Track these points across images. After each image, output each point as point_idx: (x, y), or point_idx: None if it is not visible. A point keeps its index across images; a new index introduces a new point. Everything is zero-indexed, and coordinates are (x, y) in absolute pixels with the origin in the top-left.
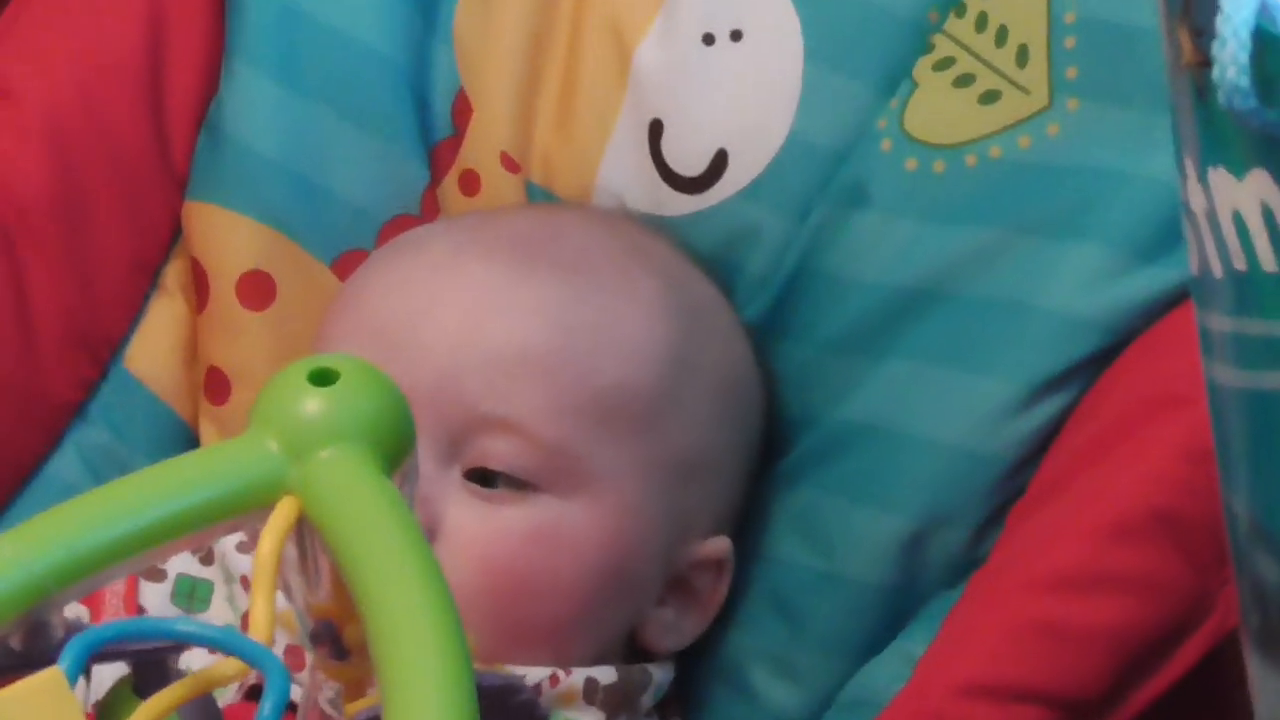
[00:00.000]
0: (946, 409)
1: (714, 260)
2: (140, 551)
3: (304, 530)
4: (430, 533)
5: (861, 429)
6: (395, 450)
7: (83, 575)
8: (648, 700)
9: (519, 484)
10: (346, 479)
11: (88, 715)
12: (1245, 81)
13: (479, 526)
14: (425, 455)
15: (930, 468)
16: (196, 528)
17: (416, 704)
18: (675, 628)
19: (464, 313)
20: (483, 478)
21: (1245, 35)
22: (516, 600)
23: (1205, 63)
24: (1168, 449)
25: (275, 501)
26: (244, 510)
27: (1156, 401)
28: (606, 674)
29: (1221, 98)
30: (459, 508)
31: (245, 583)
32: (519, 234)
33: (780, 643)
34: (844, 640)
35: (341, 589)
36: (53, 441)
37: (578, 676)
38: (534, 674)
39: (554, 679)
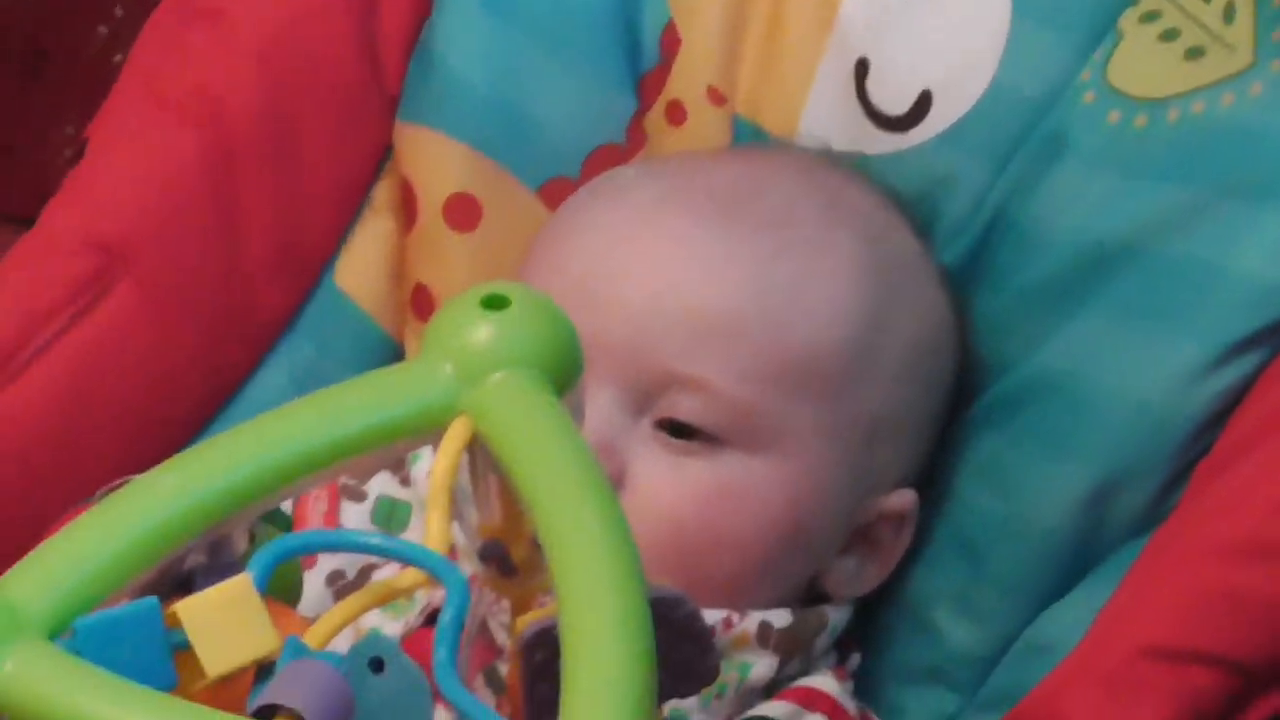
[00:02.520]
0: (1136, 365)
1: (914, 203)
2: (319, 470)
3: (475, 452)
4: (616, 482)
5: (1051, 379)
6: (564, 376)
7: (270, 490)
8: (824, 642)
9: (708, 438)
10: (518, 401)
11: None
12: None
13: (666, 479)
14: (614, 405)
15: (1117, 422)
16: (373, 447)
17: (592, 611)
18: (857, 576)
19: (662, 269)
20: (672, 428)
21: None
22: (697, 552)
23: None
24: None
25: (449, 422)
26: (419, 431)
27: None
28: (781, 617)
29: None
30: (646, 459)
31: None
32: (721, 187)
33: (963, 583)
34: (1026, 585)
35: (510, 508)
36: (261, 356)
37: (751, 621)
38: (708, 617)
39: (728, 622)
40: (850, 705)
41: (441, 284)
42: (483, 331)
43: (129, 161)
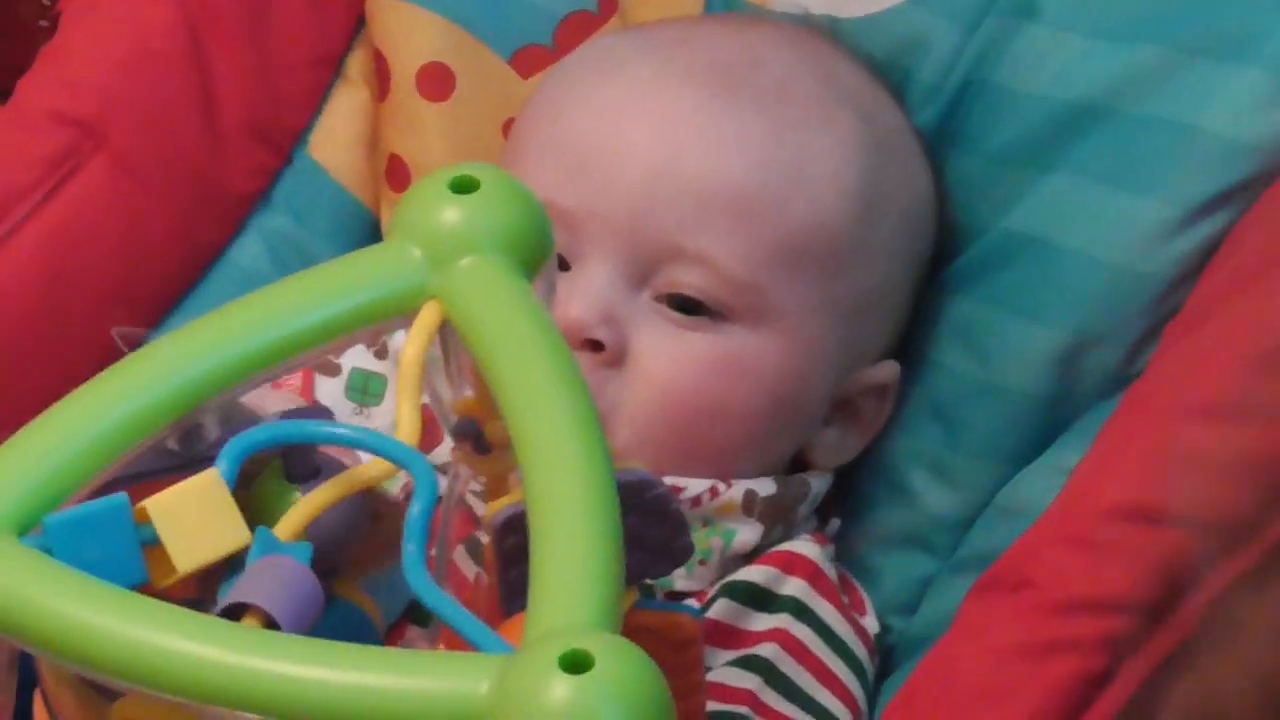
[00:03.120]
0: (1105, 225)
1: (886, 67)
2: (289, 356)
3: (447, 333)
4: (619, 352)
5: (1022, 241)
6: (534, 258)
7: (239, 378)
8: (805, 509)
9: (710, 312)
10: (487, 284)
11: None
12: None
13: (668, 350)
14: (616, 277)
15: (1087, 283)
16: (343, 333)
17: (559, 495)
18: (839, 446)
19: (662, 143)
20: (675, 302)
21: None
22: (693, 422)
23: None
24: None
25: (419, 307)
26: (389, 315)
27: None
28: (765, 486)
29: None
30: (648, 330)
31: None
32: (719, 60)
33: (938, 447)
34: (1000, 447)
35: (484, 387)
36: (235, 227)
37: (737, 489)
38: (694, 486)
39: (714, 491)
40: (830, 569)
41: (416, 154)
42: (451, 215)
43: (103, 35)
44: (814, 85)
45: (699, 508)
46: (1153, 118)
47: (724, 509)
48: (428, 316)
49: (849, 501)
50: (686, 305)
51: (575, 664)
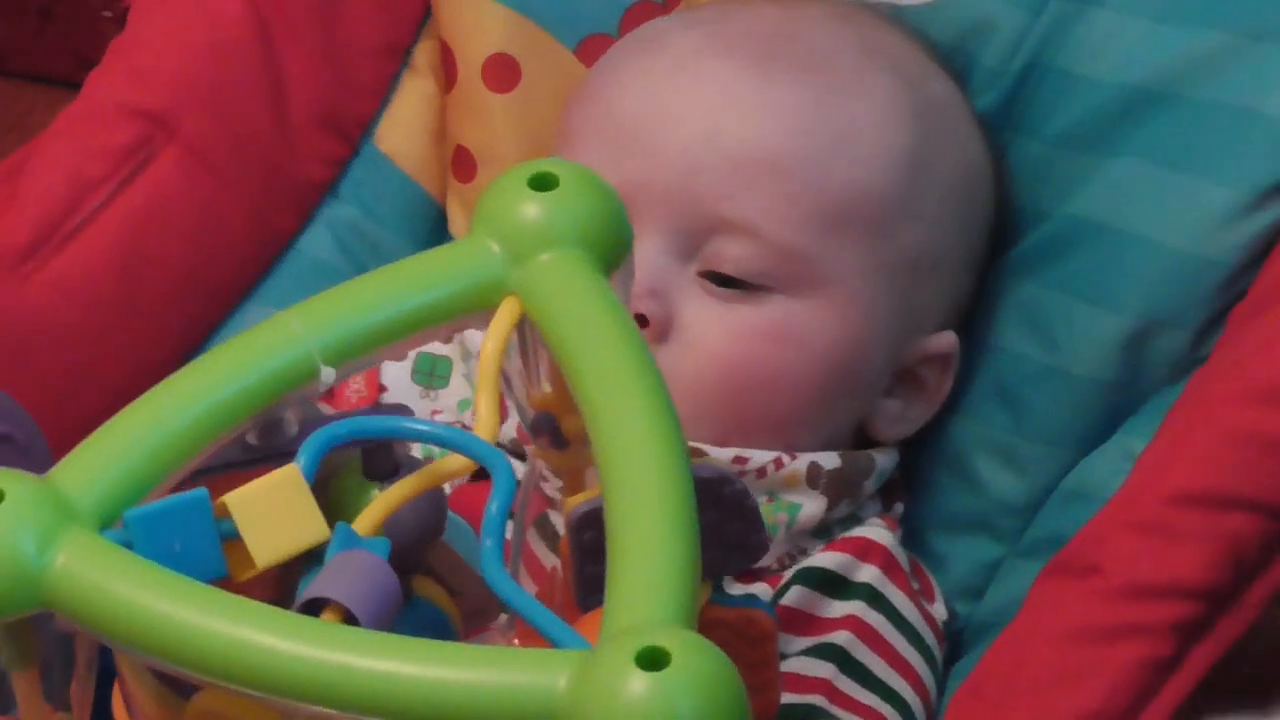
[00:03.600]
0: (1170, 211)
1: (950, 51)
2: (368, 350)
3: (525, 328)
4: (665, 326)
5: (1087, 226)
6: (612, 253)
7: (336, 363)
8: (870, 485)
9: (753, 287)
10: (566, 280)
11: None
12: None
13: (714, 323)
14: (662, 251)
15: (1153, 268)
16: (422, 327)
17: (636, 491)
18: (902, 417)
19: (703, 113)
20: (718, 279)
21: None
22: (748, 393)
23: None
24: None
25: (498, 302)
26: (469, 310)
27: None
28: (830, 459)
29: None
30: (694, 304)
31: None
32: (759, 32)
33: (1004, 432)
34: (1066, 432)
35: (561, 382)
36: (305, 218)
37: (802, 461)
38: (759, 457)
39: (779, 462)
40: (901, 555)
41: (482, 145)
42: (531, 211)
43: (173, 28)
44: (854, 54)
45: (763, 479)
46: (1216, 102)
47: (788, 481)
48: (506, 312)
49: (913, 485)
50: (729, 282)
51: (652, 660)
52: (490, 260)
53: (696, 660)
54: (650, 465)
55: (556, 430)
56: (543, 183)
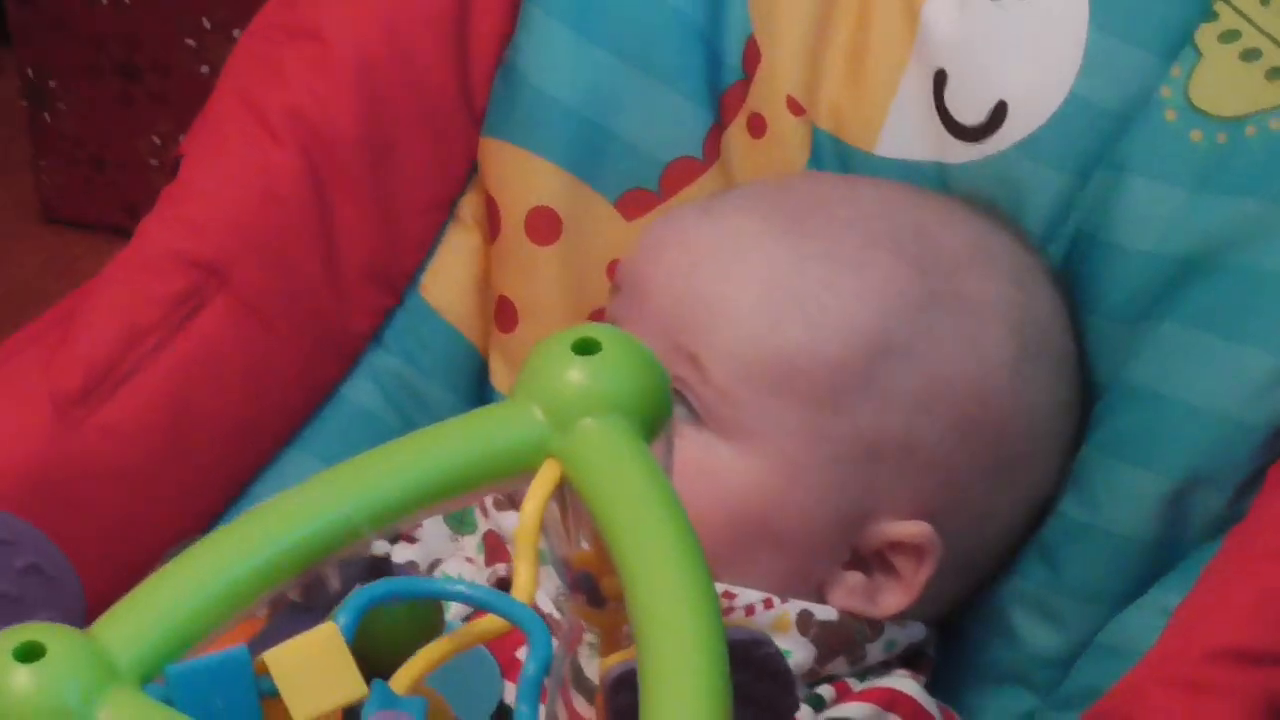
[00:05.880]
0: (1213, 376)
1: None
2: (409, 512)
3: (565, 489)
4: None
5: (1133, 391)
6: (654, 419)
7: (368, 529)
8: (878, 652)
9: (694, 415)
10: (608, 447)
11: None
12: None
13: None
14: None
15: (1196, 431)
16: (463, 490)
17: (671, 651)
18: (866, 596)
19: (690, 261)
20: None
21: None
22: None
23: None
24: None
25: (539, 465)
26: (510, 473)
27: None
28: (826, 612)
29: None
30: None
31: (498, 504)
32: (794, 199)
33: (1041, 587)
34: (1104, 588)
35: (600, 542)
36: (349, 367)
37: (792, 606)
38: (747, 595)
39: (768, 603)
40: (931, 706)
41: (524, 296)
42: (574, 376)
43: (227, 178)
44: (875, 231)
45: (752, 617)
46: (1258, 270)
47: (778, 624)
48: (547, 475)
49: (946, 635)
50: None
51: None
52: (532, 424)
53: None
54: (685, 627)
55: (595, 589)
56: (586, 347)
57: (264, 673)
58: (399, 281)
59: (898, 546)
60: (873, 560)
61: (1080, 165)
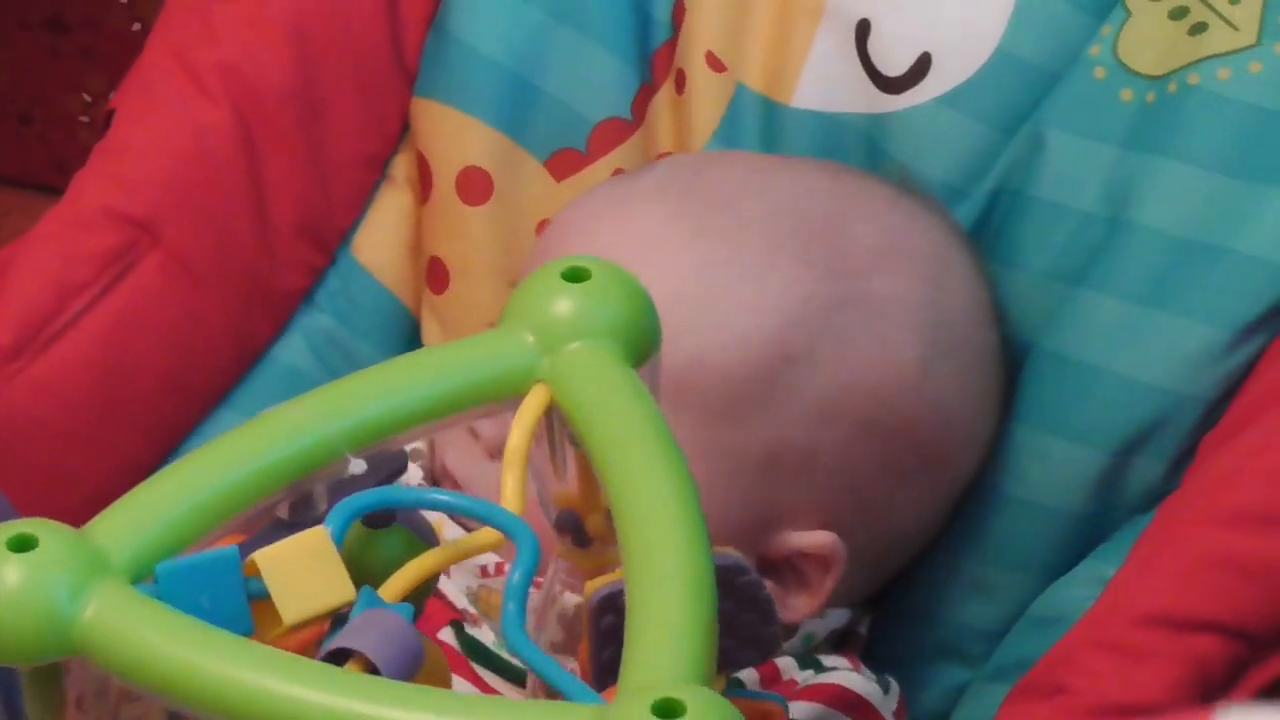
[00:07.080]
0: (1148, 349)
1: (904, 165)
2: (399, 431)
3: (552, 424)
4: (497, 447)
5: (1061, 361)
6: (641, 346)
7: (355, 447)
8: (796, 646)
9: None
10: (594, 370)
11: None
12: None
13: None
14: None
15: (1130, 406)
16: (453, 411)
17: (658, 564)
18: (779, 603)
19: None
20: None
21: None
22: None
23: None
24: None
25: (528, 390)
26: (500, 396)
27: None
28: None
29: None
30: None
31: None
32: (705, 190)
33: (972, 561)
34: (1035, 562)
35: (586, 480)
36: (280, 326)
37: None
38: None
39: None
40: (875, 696)
41: (455, 256)
42: (564, 302)
43: (159, 135)
44: (780, 231)
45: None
46: (1188, 239)
47: None
48: (535, 398)
49: (877, 614)
50: None
51: (668, 712)
52: (522, 349)
53: (711, 714)
54: (672, 541)
55: (580, 529)
56: (576, 275)
57: (254, 574)
58: (331, 240)
59: (804, 555)
60: (783, 566)
61: (1005, 121)
